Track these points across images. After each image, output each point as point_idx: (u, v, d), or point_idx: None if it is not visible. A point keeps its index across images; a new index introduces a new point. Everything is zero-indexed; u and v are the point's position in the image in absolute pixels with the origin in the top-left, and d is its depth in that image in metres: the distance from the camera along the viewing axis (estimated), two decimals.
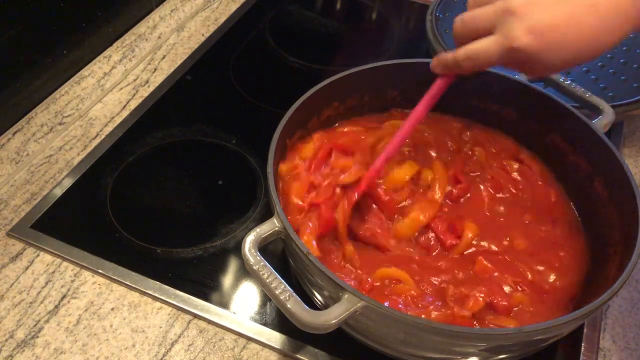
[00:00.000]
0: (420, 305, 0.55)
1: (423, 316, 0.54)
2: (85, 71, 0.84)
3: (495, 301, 0.55)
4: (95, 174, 0.75)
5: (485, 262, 0.58)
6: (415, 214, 0.61)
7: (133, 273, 0.64)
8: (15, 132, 0.75)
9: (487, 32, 0.49)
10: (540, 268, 0.59)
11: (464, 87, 0.71)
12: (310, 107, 0.65)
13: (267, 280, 0.49)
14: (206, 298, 0.63)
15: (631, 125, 0.86)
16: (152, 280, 0.64)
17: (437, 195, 0.63)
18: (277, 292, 0.48)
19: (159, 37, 0.95)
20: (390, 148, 0.59)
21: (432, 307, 0.55)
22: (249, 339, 0.60)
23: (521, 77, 0.69)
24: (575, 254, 0.61)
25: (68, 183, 0.73)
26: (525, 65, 0.49)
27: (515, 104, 0.70)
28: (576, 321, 0.49)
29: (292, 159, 0.65)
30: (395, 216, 0.62)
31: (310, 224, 0.59)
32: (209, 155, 0.78)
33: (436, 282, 0.57)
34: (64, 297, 0.63)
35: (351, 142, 0.68)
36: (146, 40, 0.93)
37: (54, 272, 0.65)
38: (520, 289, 0.57)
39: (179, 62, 0.92)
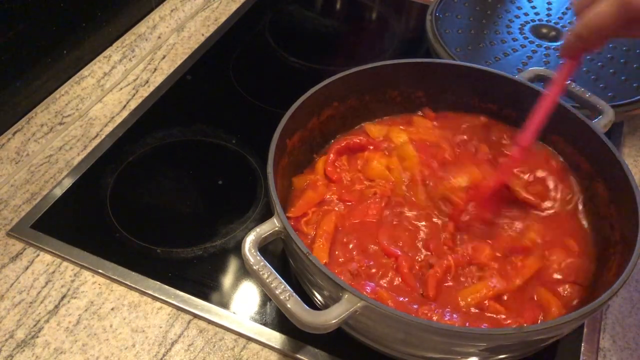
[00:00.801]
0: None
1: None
2: (85, 71, 0.84)
3: None
4: (95, 174, 0.75)
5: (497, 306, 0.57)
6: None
7: (133, 273, 0.64)
8: (15, 132, 0.75)
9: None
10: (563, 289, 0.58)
11: (464, 88, 0.72)
12: (310, 107, 0.65)
13: (267, 280, 0.49)
14: (206, 298, 0.63)
15: (631, 125, 0.86)
16: (152, 280, 0.64)
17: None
18: (277, 292, 0.48)
19: (159, 37, 0.95)
20: (529, 135, 0.60)
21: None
22: (249, 339, 0.60)
23: (521, 77, 0.69)
24: (585, 266, 0.60)
25: (68, 183, 0.73)
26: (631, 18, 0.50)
27: (515, 104, 0.70)
28: (576, 321, 0.49)
29: (307, 173, 0.67)
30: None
31: (326, 229, 0.60)
32: (209, 155, 0.78)
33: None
34: (64, 297, 0.63)
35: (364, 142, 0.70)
36: (146, 40, 0.93)
37: (54, 272, 0.65)
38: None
39: (179, 62, 0.92)
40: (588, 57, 0.88)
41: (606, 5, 0.49)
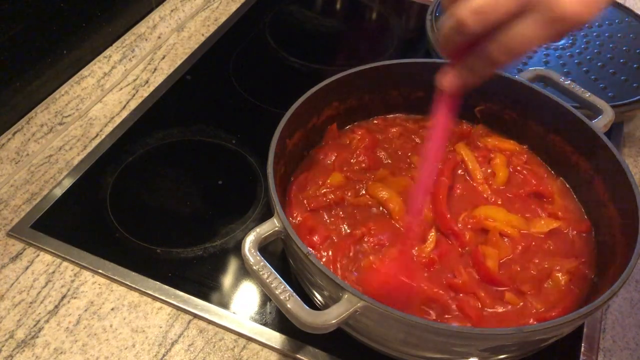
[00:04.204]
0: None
1: None
2: (85, 71, 0.84)
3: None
4: (95, 174, 0.75)
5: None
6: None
7: (133, 273, 0.64)
8: (15, 132, 0.75)
9: (511, 16, 0.42)
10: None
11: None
12: (310, 107, 0.65)
13: (267, 280, 0.49)
14: (206, 298, 0.63)
15: (631, 125, 0.86)
16: (152, 280, 0.64)
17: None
18: (277, 292, 0.48)
19: (159, 37, 0.95)
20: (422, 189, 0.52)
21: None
22: (249, 339, 0.60)
23: (521, 78, 0.69)
24: (590, 261, 0.61)
25: (68, 183, 0.73)
26: (562, 34, 0.44)
27: (516, 105, 0.70)
28: (576, 321, 0.49)
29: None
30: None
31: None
32: (209, 155, 0.78)
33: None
34: (64, 297, 0.63)
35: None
36: (146, 40, 0.93)
37: (54, 272, 0.65)
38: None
39: (179, 62, 0.92)
40: (588, 57, 0.88)
41: (535, 23, 0.41)
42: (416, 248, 0.59)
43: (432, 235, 0.60)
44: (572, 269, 0.59)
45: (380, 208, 0.64)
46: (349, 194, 0.65)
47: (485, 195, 0.65)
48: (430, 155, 0.51)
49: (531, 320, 0.55)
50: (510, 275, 0.59)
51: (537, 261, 0.60)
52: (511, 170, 0.68)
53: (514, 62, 0.45)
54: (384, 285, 0.54)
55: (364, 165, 0.68)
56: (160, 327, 0.61)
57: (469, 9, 0.41)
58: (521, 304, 0.57)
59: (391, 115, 0.75)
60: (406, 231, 0.59)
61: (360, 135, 0.71)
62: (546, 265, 0.59)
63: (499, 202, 0.65)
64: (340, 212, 0.63)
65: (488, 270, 0.58)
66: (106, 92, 0.87)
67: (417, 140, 0.72)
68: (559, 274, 0.58)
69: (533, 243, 0.62)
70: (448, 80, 0.48)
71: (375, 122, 0.74)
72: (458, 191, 0.65)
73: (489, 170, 0.68)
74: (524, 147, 0.71)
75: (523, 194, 0.66)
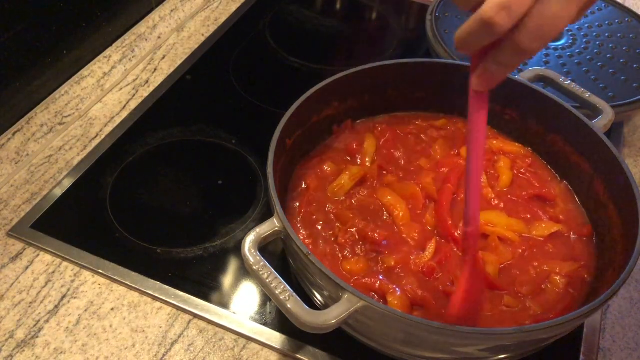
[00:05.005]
0: None
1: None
2: (85, 71, 0.84)
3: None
4: (95, 174, 0.75)
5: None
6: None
7: (133, 273, 0.64)
8: (15, 132, 0.75)
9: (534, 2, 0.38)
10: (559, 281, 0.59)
11: (464, 88, 0.72)
12: (310, 107, 0.65)
13: (267, 280, 0.49)
14: (206, 298, 0.63)
15: (631, 125, 0.86)
16: (152, 280, 0.64)
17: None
18: (277, 292, 0.48)
19: (159, 37, 0.95)
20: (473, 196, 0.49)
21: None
22: (249, 339, 0.60)
23: (521, 78, 0.69)
24: (589, 265, 0.61)
25: (68, 183, 0.73)
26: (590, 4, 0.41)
27: (516, 105, 0.70)
28: (576, 321, 0.49)
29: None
30: None
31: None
32: (209, 155, 0.78)
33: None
34: (64, 297, 0.63)
35: None
36: (146, 40, 0.93)
37: (54, 272, 0.65)
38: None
39: (179, 62, 0.92)
40: (588, 57, 0.88)
41: (560, 2, 0.38)
42: (413, 257, 0.59)
43: (431, 246, 0.60)
44: (571, 272, 0.59)
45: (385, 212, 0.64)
46: (364, 192, 0.65)
47: (488, 199, 0.65)
48: (474, 157, 0.48)
49: (528, 323, 0.55)
50: (510, 279, 0.59)
51: (536, 264, 0.60)
52: (515, 173, 0.68)
53: (543, 47, 0.41)
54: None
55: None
56: (160, 327, 0.61)
57: (495, 6, 0.38)
58: (519, 306, 0.57)
59: (395, 113, 0.75)
60: (464, 244, 0.53)
61: (382, 129, 0.71)
62: (545, 268, 0.59)
63: (502, 205, 0.65)
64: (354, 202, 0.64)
65: (488, 277, 0.57)
66: (106, 92, 0.87)
67: (424, 137, 0.71)
68: (557, 277, 0.58)
69: (533, 246, 0.61)
70: (481, 79, 0.45)
71: (391, 117, 0.74)
72: (462, 195, 0.65)
73: (491, 172, 0.68)
74: (529, 149, 0.71)
75: (526, 196, 0.66)
